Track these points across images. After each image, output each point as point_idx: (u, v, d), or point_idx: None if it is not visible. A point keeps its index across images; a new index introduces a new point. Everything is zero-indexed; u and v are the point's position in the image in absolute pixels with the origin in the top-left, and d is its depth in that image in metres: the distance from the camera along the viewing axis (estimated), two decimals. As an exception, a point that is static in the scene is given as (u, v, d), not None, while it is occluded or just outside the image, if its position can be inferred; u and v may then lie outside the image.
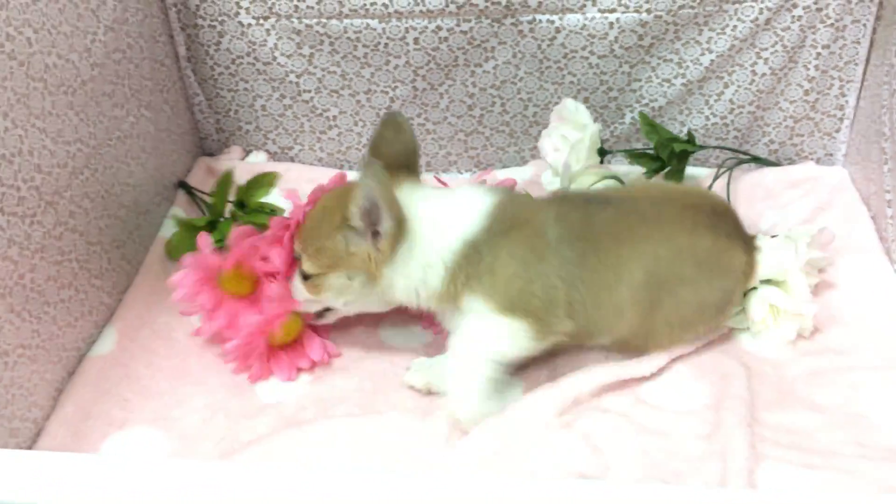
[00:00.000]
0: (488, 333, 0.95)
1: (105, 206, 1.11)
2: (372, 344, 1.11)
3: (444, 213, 0.97)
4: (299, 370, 1.06)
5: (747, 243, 1.06)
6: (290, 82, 1.37)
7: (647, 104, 1.35)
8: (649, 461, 0.93)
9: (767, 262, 1.06)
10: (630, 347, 1.03)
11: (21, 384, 0.90)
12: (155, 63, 1.28)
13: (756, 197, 1.33)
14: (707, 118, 1.36)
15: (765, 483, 0.88)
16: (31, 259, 0.93)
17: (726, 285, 1.03)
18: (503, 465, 0.91)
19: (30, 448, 0.92)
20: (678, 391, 1.02)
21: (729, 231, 1.04)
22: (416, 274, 0.96)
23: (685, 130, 1.35)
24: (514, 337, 0.95)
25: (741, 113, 1.35)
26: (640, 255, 0.97)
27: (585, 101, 1.35)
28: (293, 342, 1.07)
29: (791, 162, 1.40)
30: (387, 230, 0.92)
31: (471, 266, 0.94)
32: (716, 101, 1.34)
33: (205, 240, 1.07)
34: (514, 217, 0.98)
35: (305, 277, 1.00)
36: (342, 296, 1.00)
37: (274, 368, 1.05)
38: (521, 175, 1.36)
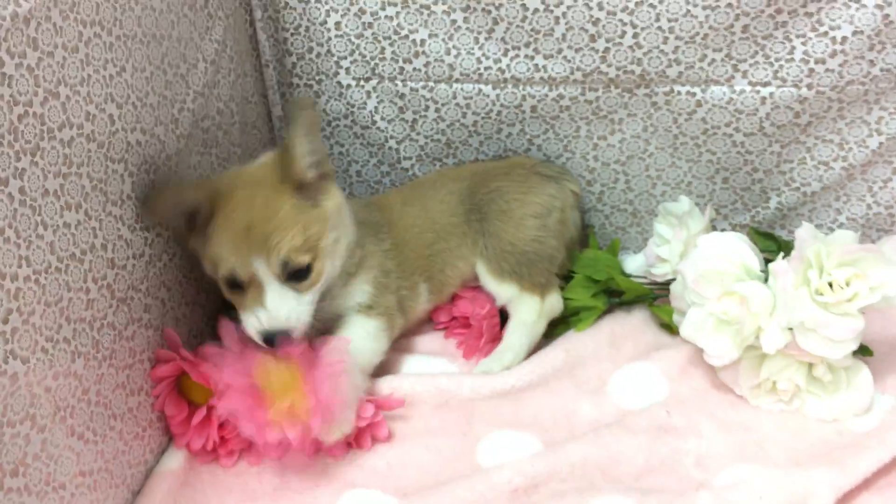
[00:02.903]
0: None
1: (183, 294, 1.00)
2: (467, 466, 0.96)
3: None
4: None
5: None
6: (390, 148, 1.24)
7: (797, 188, 1.17)
8: None
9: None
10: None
11: (78, 517, 0.78)
12: (245, 126, 1.16)
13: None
14: (869, 207, 1.17)
15: None
16: (97, 369, 0.81)
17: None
18: None
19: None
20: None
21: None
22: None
23: (841, 219, 1.17)
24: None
25: (910, 203, 1.16)
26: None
27: (724, 181, 1.18)
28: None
29: (964, 258, 1.20)
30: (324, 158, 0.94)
31: None
32: (881, 188, 1.15)
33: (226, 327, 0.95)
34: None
35: (300, 276, 0.91)
36: (334, 260, 0.97)
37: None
38: (632, 265, 1.22)
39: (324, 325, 1.01)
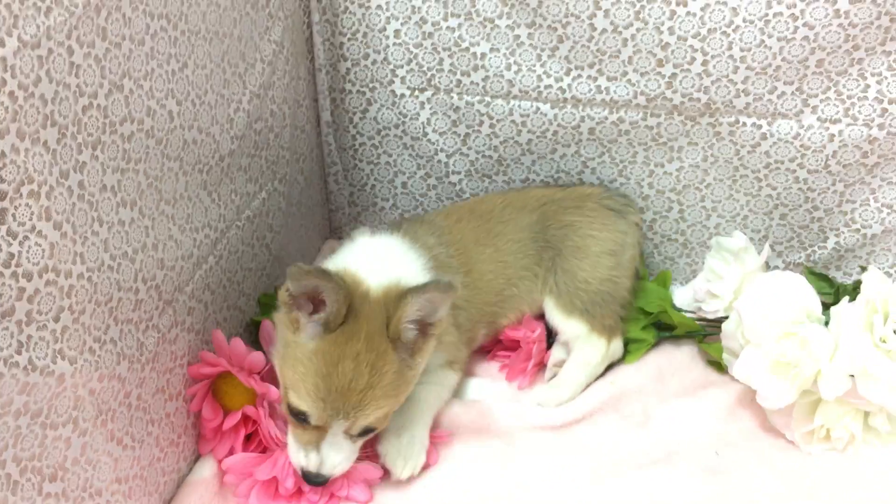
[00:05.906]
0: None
1: (226, 298, 0.97)
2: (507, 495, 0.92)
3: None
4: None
5: None
6: (439, 161, 1.21)
7: (857, 229, 1.13)
8: None
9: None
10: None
11: (110, 526, 0.75)
12: (296, 130, 1.14)
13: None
14: (932, 254, 1.13)
15: None
16: (140, 372, 0.79)
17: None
18: None
19: None
20: None
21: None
22: None
23: (901, 265, 1.14)
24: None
25: (976, 252, 1.12)
26: None
27: (782, 218, 1.15)
28: None
29: None
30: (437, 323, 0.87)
31: None
32: (945, 235, 1.12)
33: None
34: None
35: (366, 433, 0.86)
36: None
37: None
38: (679, 299, 1.16)
39: None
